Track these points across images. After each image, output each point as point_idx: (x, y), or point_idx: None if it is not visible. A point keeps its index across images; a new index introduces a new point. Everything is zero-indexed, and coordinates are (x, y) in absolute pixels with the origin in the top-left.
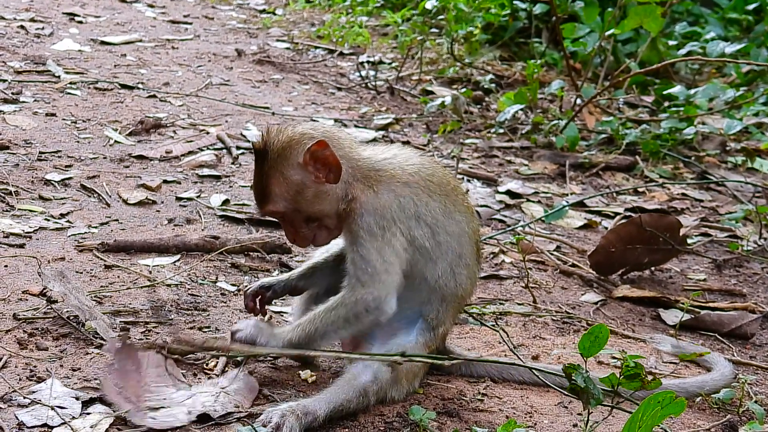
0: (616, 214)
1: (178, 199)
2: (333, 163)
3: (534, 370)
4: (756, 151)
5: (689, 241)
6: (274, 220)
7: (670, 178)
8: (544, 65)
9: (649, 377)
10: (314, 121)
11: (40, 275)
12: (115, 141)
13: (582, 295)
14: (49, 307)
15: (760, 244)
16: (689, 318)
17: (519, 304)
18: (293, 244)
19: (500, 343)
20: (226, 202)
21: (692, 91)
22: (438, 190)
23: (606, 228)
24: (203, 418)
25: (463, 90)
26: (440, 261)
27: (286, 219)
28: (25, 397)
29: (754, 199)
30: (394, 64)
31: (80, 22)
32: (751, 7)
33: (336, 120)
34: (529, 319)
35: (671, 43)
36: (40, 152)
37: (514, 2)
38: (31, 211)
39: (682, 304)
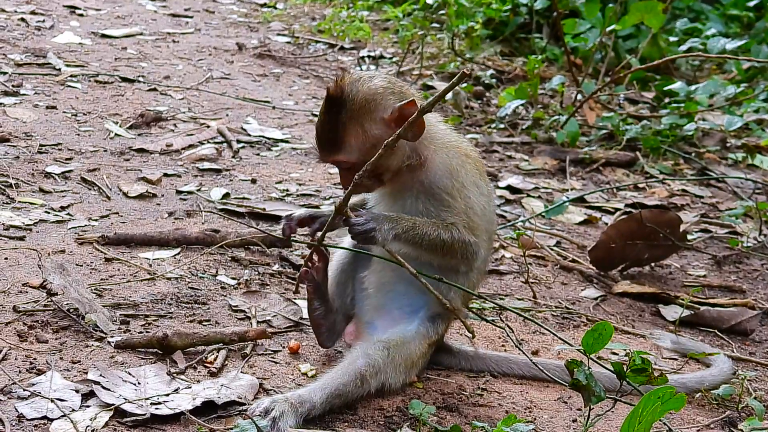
0: (617, 209)
1: (179, 192)
2: (418, 123)
3: (537, 366)
4: (756, 148)
5: (689, 237)
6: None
7: (670, 174)
8: (544, 61)
9: (656, 373)
10: (315, 115)
11: (40, 268)
12: (116, 134)
13: (582, 290)
14: (49, 299)
15: (760, 241)
16: (689, 314)
17: (519, 299)
18: (344, 188)
19: (500, 338)
20: (226, 195)
21: (693, 88)
22: (485, 177)
23: (606, 224)
24: (207, 406)
25: (464, 85)
26: None
27: (352, 168)
28: (24, 390)
29: (754, 196)
30: (394, 59)
31: (81, 15)
32: (751, 3)
33: None
34: (529, 315)
35: (672, 39)
36: (41, 145)
37: None
38: (31, 203)
39: (682, 300)
